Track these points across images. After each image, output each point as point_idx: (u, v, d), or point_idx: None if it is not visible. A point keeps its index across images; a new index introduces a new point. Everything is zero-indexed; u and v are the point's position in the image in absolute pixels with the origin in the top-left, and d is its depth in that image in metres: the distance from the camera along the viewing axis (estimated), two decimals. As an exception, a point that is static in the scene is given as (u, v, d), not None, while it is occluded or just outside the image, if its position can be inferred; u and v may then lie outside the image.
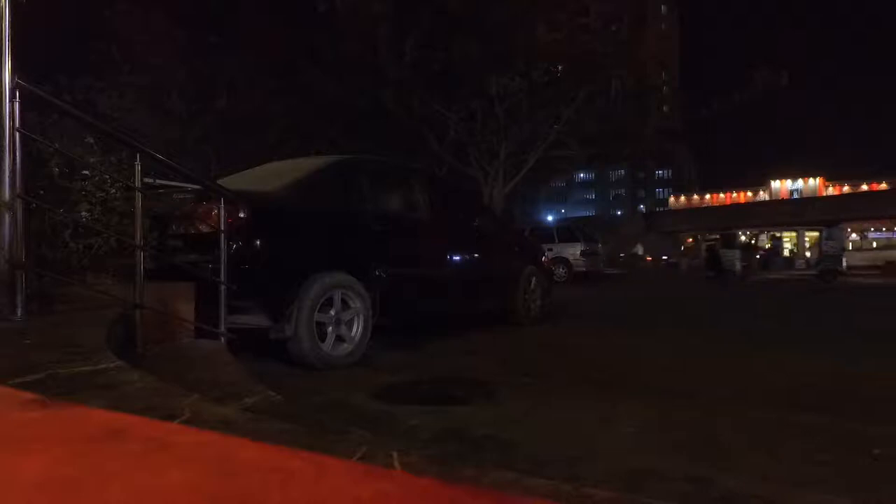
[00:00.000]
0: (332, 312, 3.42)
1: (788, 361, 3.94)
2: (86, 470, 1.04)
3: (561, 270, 13.67)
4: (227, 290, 2.84)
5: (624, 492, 1.60)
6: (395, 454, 1.19)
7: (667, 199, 64.34)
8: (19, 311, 2.20)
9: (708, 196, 58.20)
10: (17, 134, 2.21)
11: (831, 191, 51.91)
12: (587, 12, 14.78)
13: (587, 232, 15.84)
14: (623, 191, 72.10)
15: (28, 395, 1.41)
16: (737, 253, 15.08)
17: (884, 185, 43.22)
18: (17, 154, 2.21)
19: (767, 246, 25.30)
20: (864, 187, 47.48)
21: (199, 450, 1.18)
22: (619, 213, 57.73)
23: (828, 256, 17.14)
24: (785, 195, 52.23)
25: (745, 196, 56.26)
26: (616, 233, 33.98)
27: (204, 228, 3.13)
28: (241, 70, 15.81)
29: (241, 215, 3.04)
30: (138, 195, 2.45)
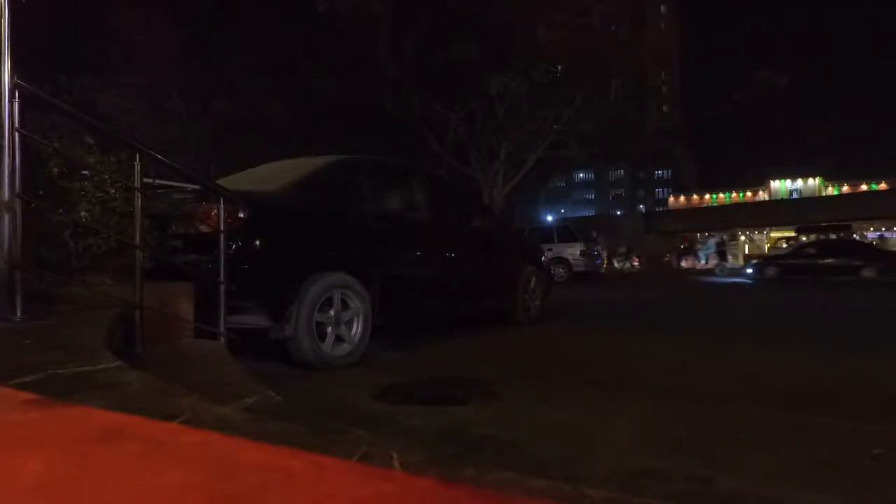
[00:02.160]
0: (332, 312, 3.41)
1: (789, 361, 3.94)
2: (85, 470, 1.03)
3: (560, 270, 13.67)
4: (227, 290, 2.84)
5: (623, 492, 1.60)
6: (395, 454, 1.19)
7: (666, 199, 64.40)
8: (18, 312, 2.20)
9: (707, 196, 58.23)
10: (17, 134, 2.21)
11: (831, 191, 51.94)
12: (587, 12, 14.73)
13: (587, 232, 15.84)
14: (623, 191, 72.14)
15: (27, 396, 1.41)
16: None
17: (883, 185, 43.26)
18: (17, 154, 2.21)
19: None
20: (864, 187, 47.50)
21: (199, 450, 1.18)
22: (619, 212, 57.74)
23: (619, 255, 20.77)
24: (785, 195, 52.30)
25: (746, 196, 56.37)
26: (616, 232, 34.19)
27: (204, 228, 3.13)
28: (241, 70, 15.82)
29: (241, 215, 3.04)
30: (138, 195, 2.45)
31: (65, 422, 1.28)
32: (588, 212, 61.76)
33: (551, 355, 4.27)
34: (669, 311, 8.02)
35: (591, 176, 69.51)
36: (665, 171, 67.84)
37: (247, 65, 15.88)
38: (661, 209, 57.75)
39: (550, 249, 13.04)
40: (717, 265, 20.99)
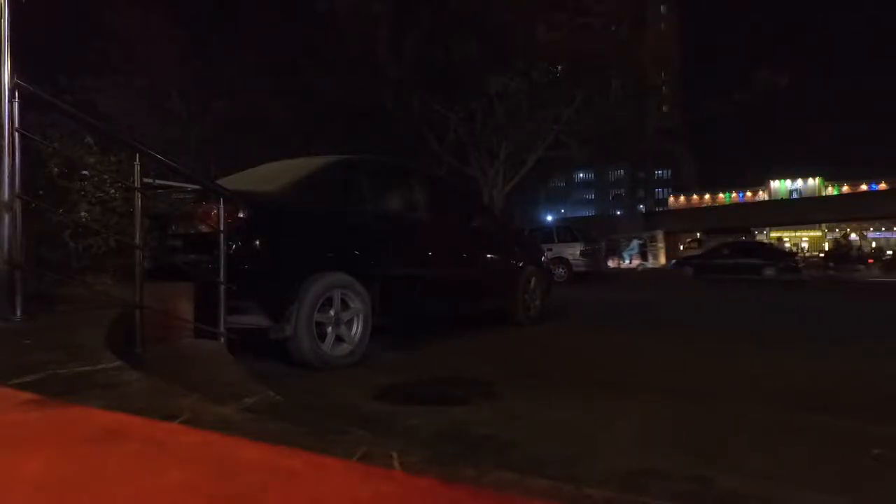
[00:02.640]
0: (332, 312, 3.41)
1: (789, 361, 3.94)
2: (85, 470, 1.03)
3: (561, 270, 13.67)
4: (227, 290, 2.84)
5: (624, 492, 1.60)
6: (395, 454, 1.19)
7: (666, 199, 64.43)
8: (18, 312, 2.20)
9: (707, 196, 58.25)
10: (17, 134, 2.21)
11: (831, 191, 51.95)
12: (587, 12, 14.71)
13: (587, 232, 15.85)
14: (623, 191, 72.11)
15: (27, 396, 1.41)
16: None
17: (883, 185, 43.30)
18: (17, 154, 2.21)
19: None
20: (864, 187, 47.54)
21: (199, 450, 1.18)
22: (618, 212, 57.75)
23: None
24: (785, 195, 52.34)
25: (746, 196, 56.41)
26: (616, 233, 34.36)
27: (203, 228, 3.13)
28: (241, 70, 15.81)
29: (241, 215, 3.04)
30: (138, 195, 2.45)
31: (65, 422, 1.28)
32: (588, 212, 61.80)
33: (551, 355, 4.27)
34: (668, 311, 8.03)
35: (591, 176, 69.51)
36: (665, 171, 67.79)
37: (247, 65, 15.85)
38: (661, 209, 57.80)
39: (550, 249, 13.04)
40: (638, 265, 22.58)
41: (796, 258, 20.16)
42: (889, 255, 26.91)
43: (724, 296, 11.26)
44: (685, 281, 17.35)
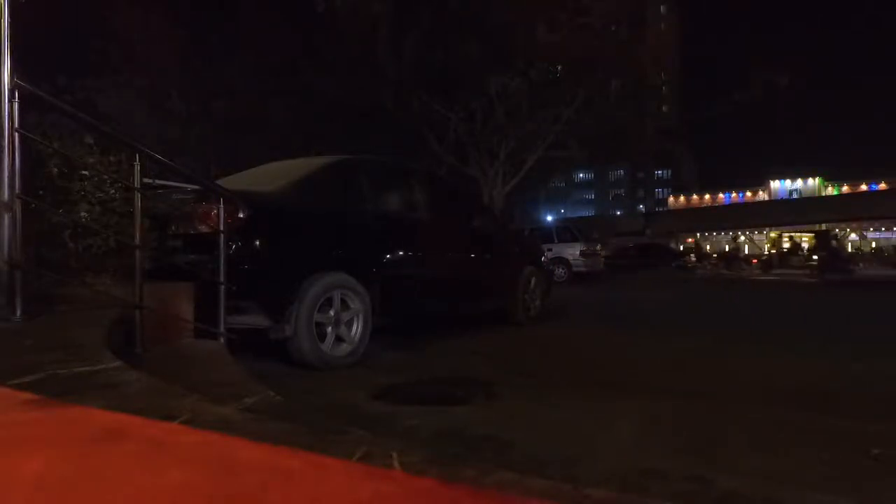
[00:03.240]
0: (332, 312, 3.41)
1: (789, 361, 3.94)
2: (85, 470, 1.03)
3: (560, 270, 13.67)
4: (227, 291, 2.84)
5: (623, 492, 1.60)
6: (394, 454, 1.19)
7: (666, 199, 64.44)
8: (18, 312, 2.19)
9: (707, 196, 58.26)
10: (17, 134, 2.21)
11: (831, 191, 51.94)
12: (587, 12, 14.70)
13: (587, 232, 15.86)
14: (623, 191, 72.20)
15: (28, 396, 1.41)
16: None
17: (883, 185, 43.30)
18: (17, 154, 2.21)
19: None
20: (864, 187, 47.56)
21: (199, 450, 1.18)
22: (618, 213, 57.77)
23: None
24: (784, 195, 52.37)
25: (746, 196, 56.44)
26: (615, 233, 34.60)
27: (203, 228, 3.13)
28: (241, 70, 15.80)
29: (241, 215, 3.04)
30: (137, 195, 2.45)
31: (65, 422, 1.28)
32: (588, 212, 61.86)
33: (551, 355, 4.28)
34: (667, 311, 8.03)
35: (591, 176, 69.60)
36: (665, 171, 67.86)
37: (247, 65, 15.83)
38: (661, 209, 57.82)
39: (550, 249, 13.04)
40: None
41: (686, 258, 25.29)
42: (766, 255, 30.31)
43: (706, 296, 11.28)
44: (675, 282, 17.41)
